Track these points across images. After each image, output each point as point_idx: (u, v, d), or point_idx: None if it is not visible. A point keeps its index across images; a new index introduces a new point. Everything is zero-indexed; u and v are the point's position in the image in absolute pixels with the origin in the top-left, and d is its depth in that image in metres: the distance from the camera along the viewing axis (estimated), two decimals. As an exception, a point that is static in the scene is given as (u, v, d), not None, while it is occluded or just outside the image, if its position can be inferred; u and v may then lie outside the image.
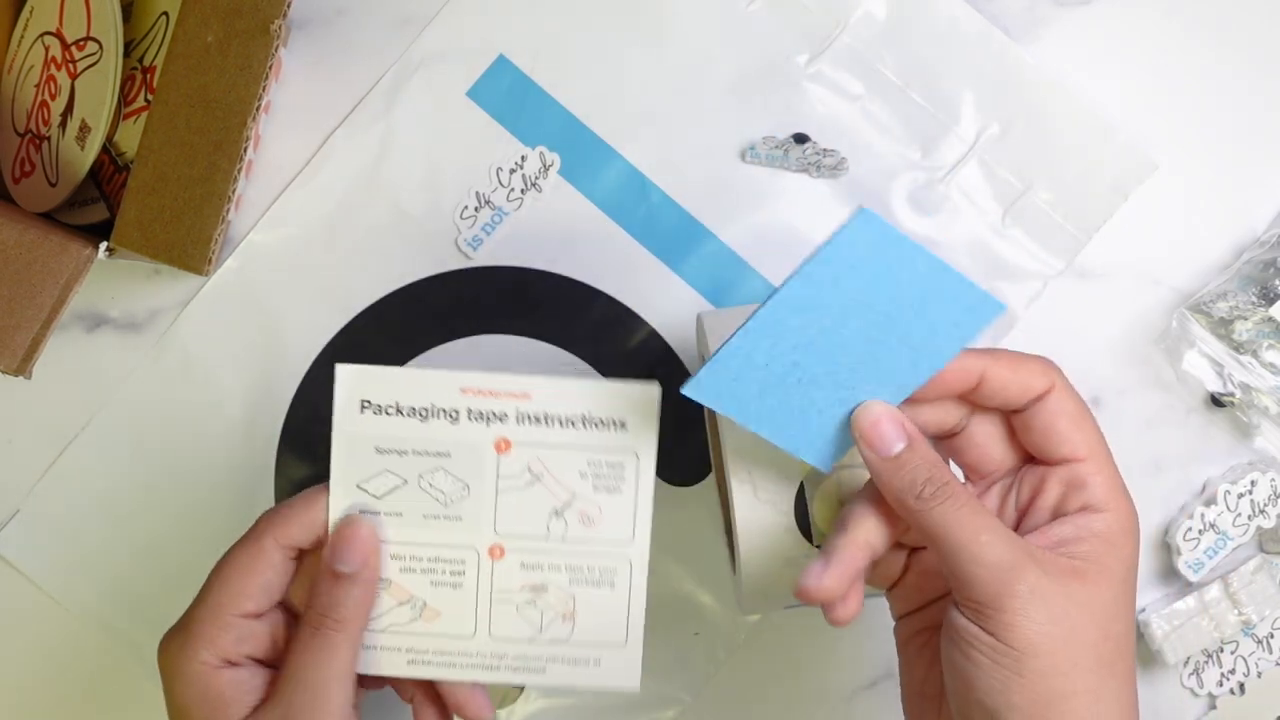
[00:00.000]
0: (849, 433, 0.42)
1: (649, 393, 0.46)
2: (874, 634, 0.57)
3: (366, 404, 0.46)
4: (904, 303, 0.39)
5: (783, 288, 0.38)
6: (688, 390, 0.40)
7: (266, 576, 0.44)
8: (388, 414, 0.46)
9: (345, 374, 0.46)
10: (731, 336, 0.39)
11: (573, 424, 0.46)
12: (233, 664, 0.44)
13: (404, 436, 0.46)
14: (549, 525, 0.47)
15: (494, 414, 0.46)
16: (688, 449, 0.58)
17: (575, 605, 0.47)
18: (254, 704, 0.44)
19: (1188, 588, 0.57)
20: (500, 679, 0.48)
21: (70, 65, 0.55)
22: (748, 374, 0.40)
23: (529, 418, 0.46)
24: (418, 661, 0.47)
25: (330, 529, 0.45)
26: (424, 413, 0.46)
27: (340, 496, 0.46)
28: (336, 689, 0.43)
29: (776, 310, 0.39)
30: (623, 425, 0.46)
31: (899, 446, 0.40)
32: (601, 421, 0.46)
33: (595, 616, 0.47)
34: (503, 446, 0.46)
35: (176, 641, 0.45)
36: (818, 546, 0.44)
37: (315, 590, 0.44)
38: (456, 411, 0.46)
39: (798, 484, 0.43)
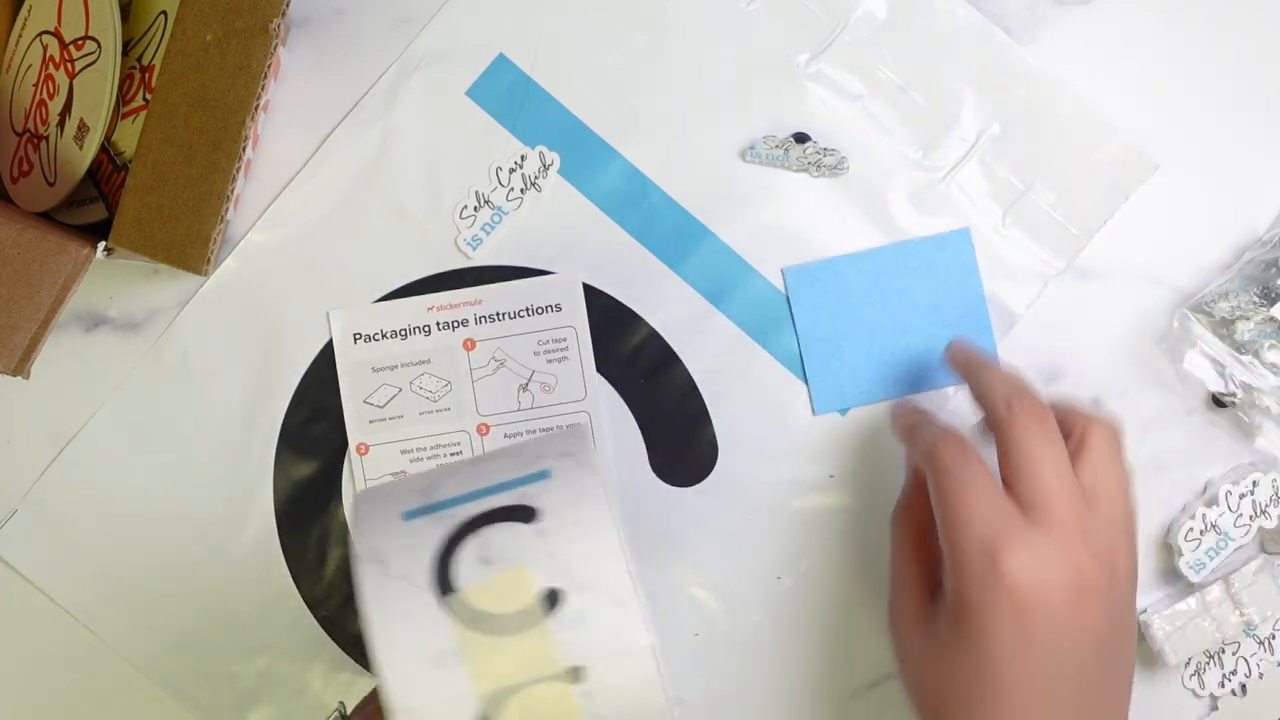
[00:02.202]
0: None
1: (573, 279, 0.57)
2: (875, 634, 0.57)
3: (357, 336, 0.57)
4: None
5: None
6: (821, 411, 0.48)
7: None
8: (375, 340, 0.57)
9: (336, 316, 0.57)
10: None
11: (520, 315, 0.57)
12: None
13: (391, 355, 0.57)
14: (519, 399, 0.57)
15: (457, 321, 0.57)
16: (688, 450, 0.58)
17: None
18: None
19: (1189, 588, 0.57)
20: None
21: (68, 64, 0.54)
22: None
23: (485, 318, 0.57)
24: None
25: None
26: (403, 333, 0.57)
27: (352, 412, 0.57)
28: None
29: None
30: (558, 307, 0.57)
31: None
32: (542, 308, 0.57)
33: None
34: (469, 345, 0.57)
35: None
36: None
37: None
38: (428, 326, 0.57)
39: (478, 710, 0.36)
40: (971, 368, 0.50)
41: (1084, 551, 0.42)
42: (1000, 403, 0.46)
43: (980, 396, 0.48)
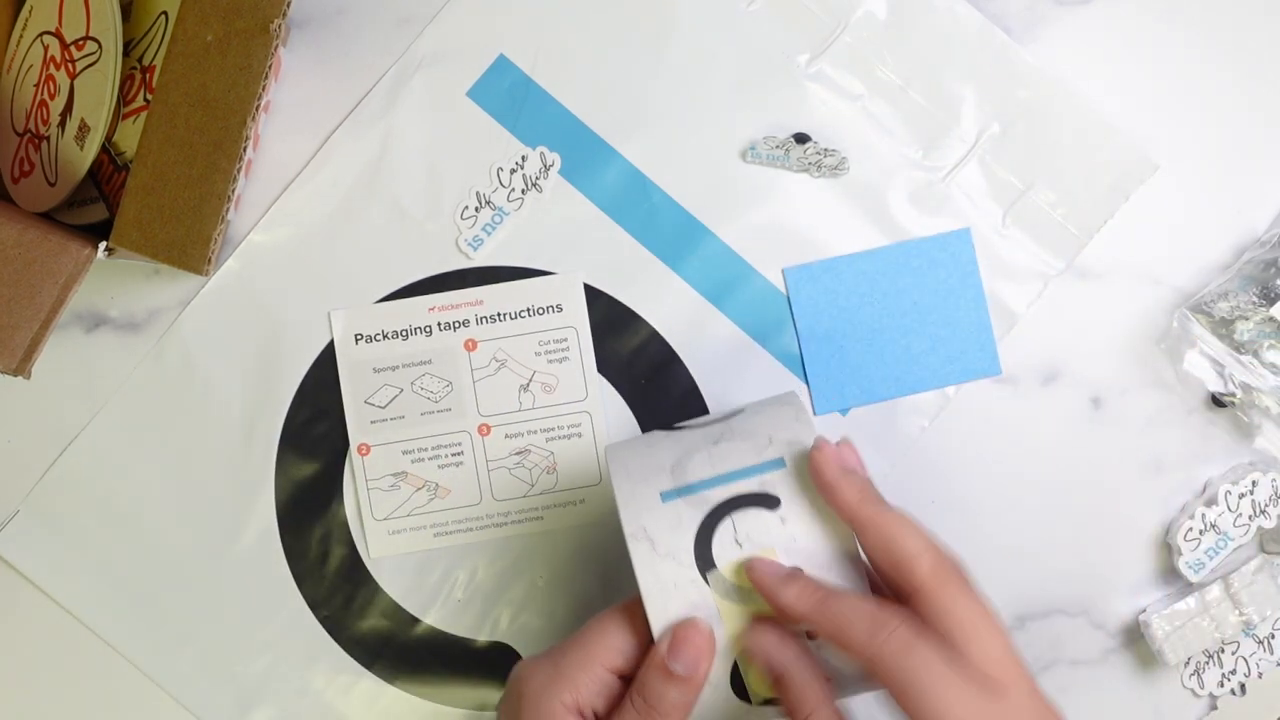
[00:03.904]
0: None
1: (574, 279, 0.57)
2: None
3: (359, 336, 0.57)
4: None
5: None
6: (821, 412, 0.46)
7: (644, 638, 0.44)
8: (376, 341, 0.57)
9: (338, 316, 0.57)
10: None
11: (521, 315, 0.57)
12: (581, 714, 0.45)
13: (392, 355, 0.57)
14: (520, 399, 0.57)
15: (459, 322, 0.57)
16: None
17: (555, 459, 0.58)
18: None
19: (1188, 588, 0.57)
20: (509, 532, 0.58)
21: (69, 65, 0.55)
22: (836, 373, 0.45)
23: (486, 318, 0.57)
24: (442, 533, 0.58)
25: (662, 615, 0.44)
26: (404, 333, 0.57)
27: (353, 413, 0.57)
28: None
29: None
30: (559, 308, 0.57)
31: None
32: (543, 309, 0.57)
33: (572, 465, 0.57)
34: (471, 345, 0.57)
35: (544, 675, 0.45)
36: (765, 702, 0.44)
37: (644, 675, 0.44)
38: (429, 327, 0.57)
39: (732, 661, 0.43)
40: (868, 511, 0.43)
41: (1042, 700, 0.42)
42: (926, 564, 0.42)
43: (887, 548, 0.42)
